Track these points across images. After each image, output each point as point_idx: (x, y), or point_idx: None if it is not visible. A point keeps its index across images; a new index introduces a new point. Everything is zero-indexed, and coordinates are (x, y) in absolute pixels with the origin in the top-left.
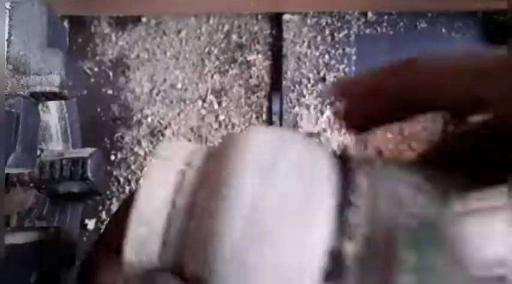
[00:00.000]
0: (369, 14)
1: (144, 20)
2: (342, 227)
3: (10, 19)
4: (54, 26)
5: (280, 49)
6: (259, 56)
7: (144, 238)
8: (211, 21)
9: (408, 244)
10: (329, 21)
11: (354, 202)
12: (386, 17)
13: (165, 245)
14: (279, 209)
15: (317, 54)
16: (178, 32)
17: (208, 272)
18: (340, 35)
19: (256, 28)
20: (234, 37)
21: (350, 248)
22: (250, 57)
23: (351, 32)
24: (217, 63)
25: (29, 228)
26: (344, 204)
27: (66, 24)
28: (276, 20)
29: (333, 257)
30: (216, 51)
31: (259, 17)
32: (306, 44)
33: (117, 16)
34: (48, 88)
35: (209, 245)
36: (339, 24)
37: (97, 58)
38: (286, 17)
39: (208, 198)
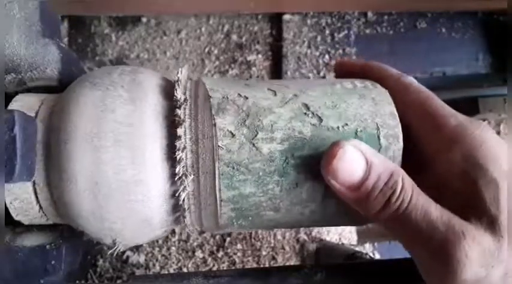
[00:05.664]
0: (369, 14)
1: (144, 20)
2: None
3: None
4: (47, 19)
5: (280, 49)
6: (259, 56)
7: None
8: (211, 21)
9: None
10: (329, 21)
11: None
12: (386, 17)
13: None
14: None
15: (317, 54)
16: (178, 32)
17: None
18: (340, 35)
19: (256, 28)
20: (234, 37)
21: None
22: (250, 57)
23: (351, 32)
24: (217, 63)
25: (36, 229)
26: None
27: (66, 24)
28: (276, 20)
29: None
30: (216, 51)
31: (259, 17)
32: (306, 44)
33: (117, 16)
34: (45, 83)
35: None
36: (339, 24)
37: (97, 58)
38: (286, 17)
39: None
